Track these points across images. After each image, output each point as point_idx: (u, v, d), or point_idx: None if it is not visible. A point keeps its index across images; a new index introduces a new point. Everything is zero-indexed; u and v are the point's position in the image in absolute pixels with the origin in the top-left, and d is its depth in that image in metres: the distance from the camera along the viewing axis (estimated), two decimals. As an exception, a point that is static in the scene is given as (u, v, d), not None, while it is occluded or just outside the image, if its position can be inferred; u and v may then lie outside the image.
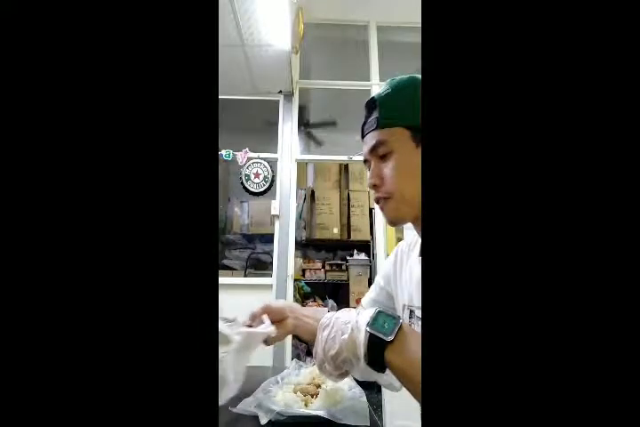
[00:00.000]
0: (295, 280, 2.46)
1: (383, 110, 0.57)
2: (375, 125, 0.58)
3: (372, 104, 0.60)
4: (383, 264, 0.77)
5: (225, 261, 2.75)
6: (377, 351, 0.44)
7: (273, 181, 2.41)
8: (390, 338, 0.44)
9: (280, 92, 2.52)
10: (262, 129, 2.61)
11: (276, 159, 2.47)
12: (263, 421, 0.52)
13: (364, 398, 0.60)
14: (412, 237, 0.72)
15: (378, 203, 0.59)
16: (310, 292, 2.85)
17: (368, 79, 2.67)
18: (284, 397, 0.57)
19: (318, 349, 0.49)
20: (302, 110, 2.75)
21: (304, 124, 2.89)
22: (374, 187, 0.58)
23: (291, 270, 2.32)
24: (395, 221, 0.60)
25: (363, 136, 0.62)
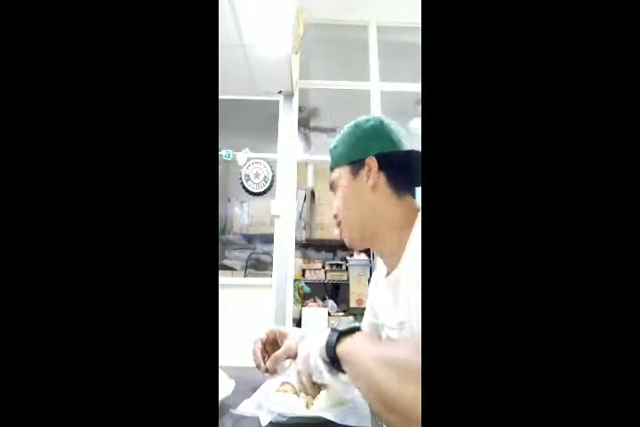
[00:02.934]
0: (295, 280, 2.46)
1: (331, 156, 0.70)
2: (330, 170, 0.71)
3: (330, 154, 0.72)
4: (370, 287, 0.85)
5: (225, 262, 2.75)
6: (331, 343, 0.51)
7: (273, 181, 2.41)
8: (341, 329, 0.52)
9: (280, 92, 2.52)
10: (262, 129, 2.60)
11: (276, 159, 2.47)
12: (264, 422, 0.52)
13: (364, 402, 0.60)
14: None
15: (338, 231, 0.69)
16: (310, 292, 2.85)
17: (368, 79, 2.67)
18: (284, 398, 0.57)
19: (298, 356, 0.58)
20: (302, 110, 2.75)
21: (304, 125, 2.89)
22: (335, 216, 0.69)
23: (291, 271, 2.32)
24: (348, 244, 0.69)
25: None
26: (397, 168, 0.64)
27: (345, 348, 0.50)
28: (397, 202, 0.63)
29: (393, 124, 0.67)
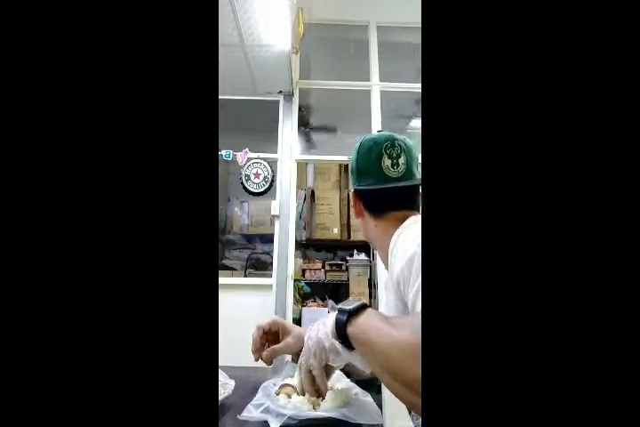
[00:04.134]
0: (295, 280, 2.46)
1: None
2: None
3: None
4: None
5: (225, 261, 2.75)
6: (341, 324, 0.52)
7: (273, 181, 2.40)
8: (349, 308, 0.52)
9: (280, 92, 2.52)
10: (262, 129, 2.60)
11: (276, 159, 2.47)
12: (274, 426, 0.51)
13: (370, 398, 0.60)
14: None
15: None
16: (310, 292, 2.85)
17: (368, 79, 2.67)
18: (292, 400, 0.56)
19: (305, 344, 0.57)
20: (302, 110, 2.75)
21: (304, 125, 2.89)
22: None
23: (291, 271, 2.32)
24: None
25: None
26: (371, 196, 0.76)
27: (356, 328, 0.51)
28: (377, 222, 0.75)
29: (368, 148, 0.75)
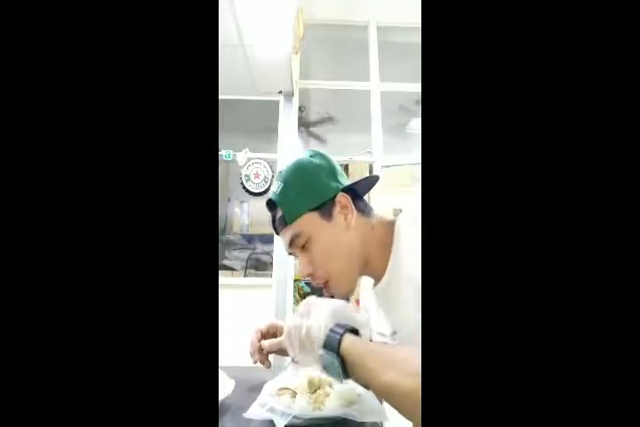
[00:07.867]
0: (295, 280, 2.46)
1: (284, 207, 0.60)
2: (284, 223, 0.60)
3: (272, 205, 0.62)
4: None
5: (225, 262, 2.75)
6: (334, 344, 0.46)
7: (273, 181, 2.40)
8: (341, 330, 0.47)
9: (280, 92, 2.52)
10: (262, 129, 2.60)
11: (276, 159, 2.47)
12: (279, 425, 0.51)
13: (374, 396, 0.60)
14: None
15: (321, 287, 0.63)
16: (310, 292, 2.85)
17: (368, 79, 2.67)
18: (295, 399, 0.56)
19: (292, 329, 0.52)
20: (302, 110, 2.75)
21: (304, 125, 2.89)
22: (310, 275, 0.61)
23: (291, 271, 2.32)
24: (346, 295, 0.62)
25: (277, 233, 0.64)
26: (362, 196, 0.64)
27: (351, 350, 0.46)
28: (372, 224, 0.62)
29: (318, 162, 0.63)
